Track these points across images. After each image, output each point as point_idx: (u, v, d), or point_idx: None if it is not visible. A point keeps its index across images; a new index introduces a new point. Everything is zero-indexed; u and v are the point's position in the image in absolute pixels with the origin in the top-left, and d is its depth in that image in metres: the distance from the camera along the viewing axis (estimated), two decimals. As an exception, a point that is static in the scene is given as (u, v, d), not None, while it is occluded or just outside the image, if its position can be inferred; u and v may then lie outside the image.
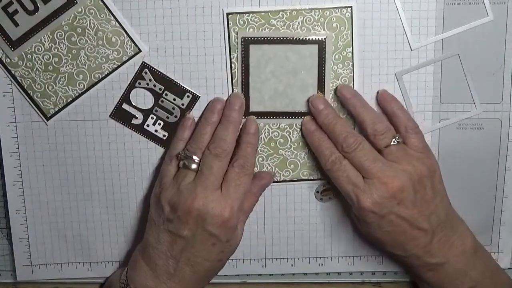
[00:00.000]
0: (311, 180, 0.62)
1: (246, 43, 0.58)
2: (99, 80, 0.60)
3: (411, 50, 0.59)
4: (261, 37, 0.58)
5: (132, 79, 0.60)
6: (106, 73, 0.60)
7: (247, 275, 0.65)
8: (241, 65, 0.59)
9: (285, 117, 0.60)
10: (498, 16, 0.58)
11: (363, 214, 0.56)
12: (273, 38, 0.58)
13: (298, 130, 0.61)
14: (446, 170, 0.60)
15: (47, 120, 0.61)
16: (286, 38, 0.58)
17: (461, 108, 0.60)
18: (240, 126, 0.59)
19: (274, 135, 0.61)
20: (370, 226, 0.57)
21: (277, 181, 0.62)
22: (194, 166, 0.57)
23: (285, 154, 0.62)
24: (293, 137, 0.61)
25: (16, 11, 0.58)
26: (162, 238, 0.57)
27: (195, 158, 0.57)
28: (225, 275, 0.65)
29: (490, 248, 0.63)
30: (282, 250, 0.64)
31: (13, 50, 0.59)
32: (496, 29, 0.58)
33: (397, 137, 0.57)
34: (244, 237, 0.63)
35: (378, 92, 0.60)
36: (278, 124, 0.61)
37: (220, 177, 0.57)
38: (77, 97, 0.61)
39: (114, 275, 0.64)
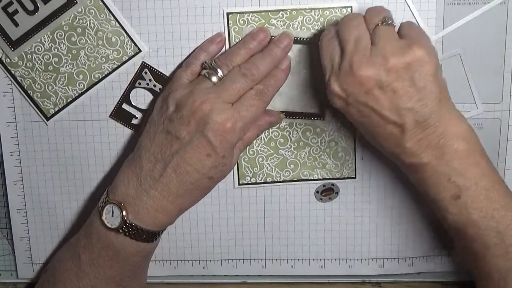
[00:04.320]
0: (311, 180, 0.62)
1: None
2: (99, 80, 0.60)
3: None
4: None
5: (132, 79, 0.60)
6: (106, 73, 0.60)
7: (247, 275, 0.65)
8: None
9: (285, 117, 0.60)
10: (498, 16, 0.58)
11: (331, 98, 0.53)
12: (274, 37, 0.58)
13: (298, 130, 0.61)
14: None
15: (47, 120, 0.61)
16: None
17: (461, 108, 0.60)
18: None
19: (274, 135, 0.61)
20: (345, 113, 0.53)
21: (277, 181, 0.62)
22: (215, 79, 0.55)
23: (285, 154, 0.61)
24: (293, 137, 0.61)
25: (16, 11, 0.58)
26: (157, 139, 0.54)
27: (220, 71, 0.55)
28: (225, 275, 0.65)
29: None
30: (282, 251, 0.64)
31: (13, 50, 0.59)
32: (496, 29, 0.58)
33: (387, 18, 0.52)
34: (244, 237, 0.64)
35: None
36: (278, 124, 0.61)
37: (237, 95, 0.54)
38: (77, 97, 0.61)
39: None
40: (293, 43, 0.58)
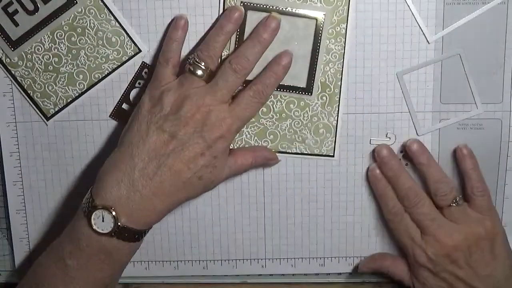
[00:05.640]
0: (288, 153, 0.62)
1: (245, 8, 0.57)
2: (99, 80, 0.60)
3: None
4: (260, 4, 0.57)
5: (132, 79, 0.60)
6: (106, 73, 0.60)
7: (247, 275, 0.65)
8: (237, 32, 0.58)
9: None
10: (498, 16, 0.58)
11: (417, 269, 0.59)
12: (273, 7, 0.57)
13: (282, 101, 0.60)
14: (446, 170, 0.60)
15: (47, 120, 0.61)
16: (286, 8, 0.57)
17: (461, 108, 0.60)
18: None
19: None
20: (425, 282, 0.59)
21: None
22: (200, 72, 0.55)
23: (266, 124, 0.61)
24: (276, 107, 0.60)
25: (16, 11, 0.58)
26: (150, 138, 0.54)
27: (203, 65, 0.55)
28: (225, 275, 0.65)
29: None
30: (282, 250, 0.64)
31: (13, 50, 0.59)
32: (496, 29, 0.58)
33: (458, 199, 0.58)
34: (244, 237, 0.64)
35: (457, 148, 0.60)
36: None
37: (231, 92, 0.55)
38: (77, 97, 0.61)
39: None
40: (292, 15, 0.57)
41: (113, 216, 0.53)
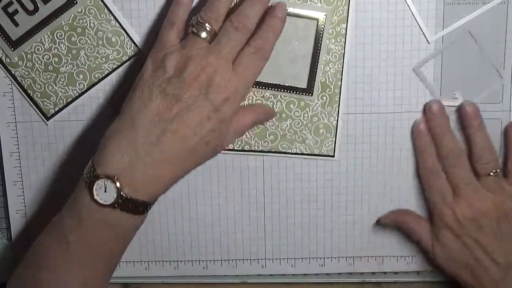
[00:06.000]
0: (289, 153, 0.62)
1: None
2: (99, 80, 0.60)
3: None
4: None
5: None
6: (106, 73, 0.60)
7: (247, 275, 0.65)
8: None
9: (271, 89, 0.60)
10: (498, 16, 0.58)
11: (441, 229, 0.59)
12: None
13: (283, 101, 0.60)
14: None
15: (47, 120, 0.61)
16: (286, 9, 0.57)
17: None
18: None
19: (258, 104, 0.60)
20: (445, 244, 0.59)
21: (255, 151, 0.62)
22: (204, 34, 0.53)
23: (266, 124, 0.61)
24: (276, 107, 0.60)
25: (16, 11, 0.58)
26: (153, 102, 0.51)
27: (208, 26, 0.53)
28: (225, 275, 0.65)
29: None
30: (282, 250, 0.64)
31: (13, 50, 0.59)
32: (496, 29, 0.58)
33: (497, 170, 0.58)
34: (244, 237, 0.63)
35: (507, 126, 0.60)
36: (263, 93, 0.60)
37: (235, 51, 0.53)
38: (77, 97, 0.61)
39: None
40: (294, 16, 0.57)
41: (116, 186, 0.50)
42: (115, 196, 0.50)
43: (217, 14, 0.54)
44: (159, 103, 0.51)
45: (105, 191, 0.50)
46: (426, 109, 0.60)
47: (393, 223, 0.62)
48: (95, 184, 0.50)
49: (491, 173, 0.58)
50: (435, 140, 0.59)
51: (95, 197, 0.50)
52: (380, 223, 0.63)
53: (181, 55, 0.52)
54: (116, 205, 0.50)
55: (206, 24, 0.53)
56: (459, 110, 0.59)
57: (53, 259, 0.52)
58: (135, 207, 0.51)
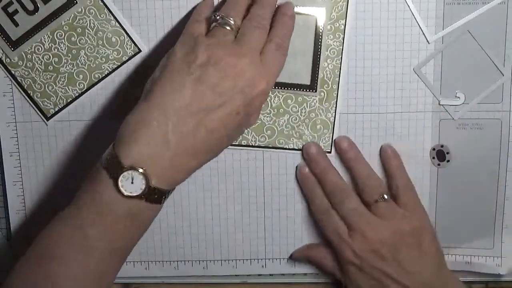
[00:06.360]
0: (286, 149, 0.62)
1: None
2: (99, 80, 0.60)
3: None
4: None
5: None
6: (106, 73, 0.60)
7: (247, 275, 0.65)
8: None
9: (277, 87, 0.60)
10: (498, 16, 0.58)
11: (345, 265, 0.59)
12: None
13: (280, 96, 0.60)
14: (446, 171, 0.60)
15: (47, 120, 0.61)
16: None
17: (460, 109, 0.60)
18: None
19: None
20: (353, 278, 0.59)
21: (252, 146, 0.62)
22: (228, 27, 0.52)
23: (264, 119, 0.61)
24: (274, 102, 0.60)
25: (16, 11, 0.58)
26: (187, 89, 0.49)
27: (231, 20, 0.52)
28: (225, 275, 0.65)
29: (492, 253, 0.63)
30: (282, 250, 0.64)
31: (13, 50, 0.59)
32: (496, 29, 0.58)
33: (385, 195, 0.59)
34: (244, 237, 0.63)
35: (381, 148, 0.61)
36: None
37: (260, 45, 0.52)
38: (77, 97, 0.61)
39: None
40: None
41: (145, 177, 0.48)
42: (143, 188, 0.48)
43: (239, 10, 0.54)
44: (193, 92, 0.49)
45: (132, 182, 0.48)
46: (303, 153, 0.61)
47: (304, 259, 0.63)
48: (121, 176, 0.48)
49: (379, 199, 0.58)
50: (319, 180, 0.60)
51: (121, 188, 0.48)
52: (292, 257, 0.64)
53: (211, 43, 0.51)
54: (142, 196, 0.49)
55: (230, 19, 0.52)
56: (335, 146, 0.61)
57: (67, 252, 0.49)
58: (160, 196, 0.50)
